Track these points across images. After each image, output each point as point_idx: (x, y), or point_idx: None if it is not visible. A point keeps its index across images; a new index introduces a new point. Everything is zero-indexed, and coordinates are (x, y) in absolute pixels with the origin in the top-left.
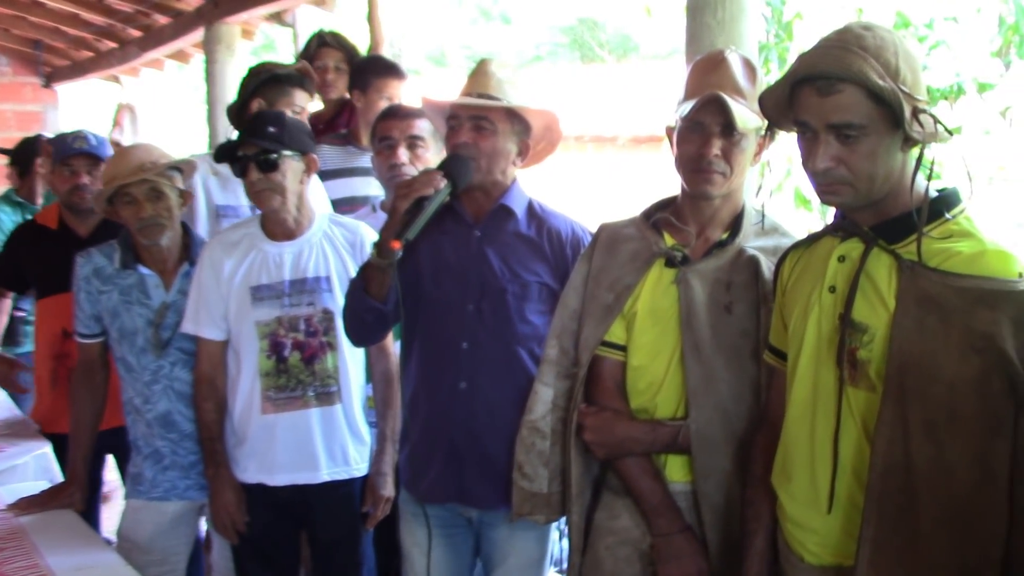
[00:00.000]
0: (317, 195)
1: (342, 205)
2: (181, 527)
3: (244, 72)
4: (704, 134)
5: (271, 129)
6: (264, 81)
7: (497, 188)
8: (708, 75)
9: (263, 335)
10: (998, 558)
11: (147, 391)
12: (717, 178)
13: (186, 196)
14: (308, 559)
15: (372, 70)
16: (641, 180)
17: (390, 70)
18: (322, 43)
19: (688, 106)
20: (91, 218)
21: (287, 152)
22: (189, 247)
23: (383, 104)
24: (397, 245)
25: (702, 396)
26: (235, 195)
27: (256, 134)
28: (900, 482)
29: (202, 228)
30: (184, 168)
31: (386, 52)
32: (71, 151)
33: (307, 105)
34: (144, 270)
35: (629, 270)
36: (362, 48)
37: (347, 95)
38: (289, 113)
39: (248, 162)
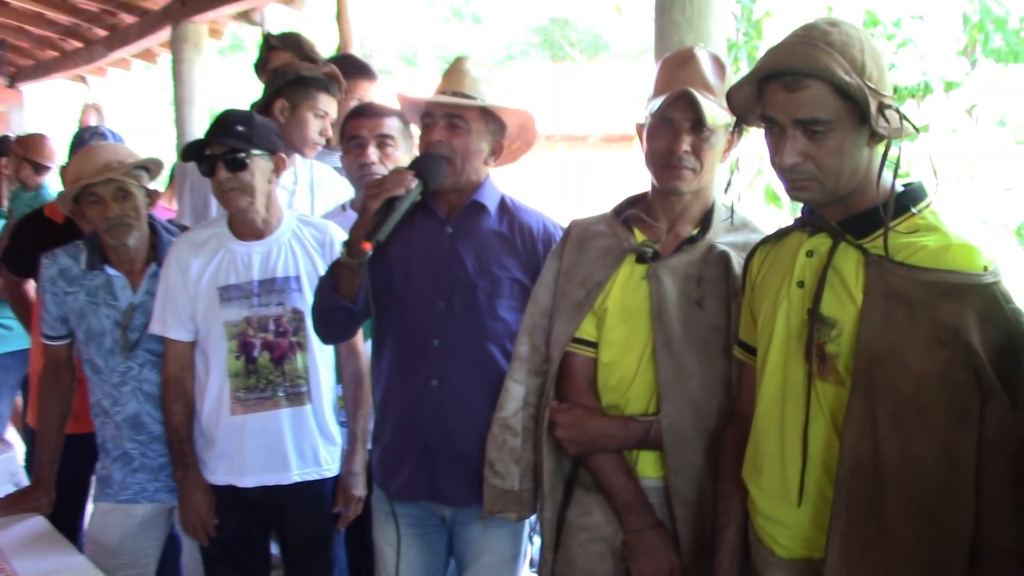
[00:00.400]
0: (336, 186)
1: None
2: (151, 530)
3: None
4: (674, 130)
5: (239, 128)
6: (289, 81)
7: (470, 186)
8: (677, 71)
9: (232, 335)
10: (965, 549)
11: (115, 393)
12: (687, 174)
13: (153, 196)
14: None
15: (342, 71)
16: (613, 179)
17: (361, 71)
18: (270, 48)
19: (658, 102)
20: None
21: (256, 151)
22: (157, 247)
23: (353, 105)
24: (368, 247)
25: (673, 392)
26: None
27: (224, 132)
28: (869, 475)
29: None
30: (151, 167)
31: (357, 51)
32: (85, 146)
33: (332, 110)
34: (111, 271)
35: (600, 266)
36: (325, 46)
37: None
38: (311, 116)
39: (216, 161)
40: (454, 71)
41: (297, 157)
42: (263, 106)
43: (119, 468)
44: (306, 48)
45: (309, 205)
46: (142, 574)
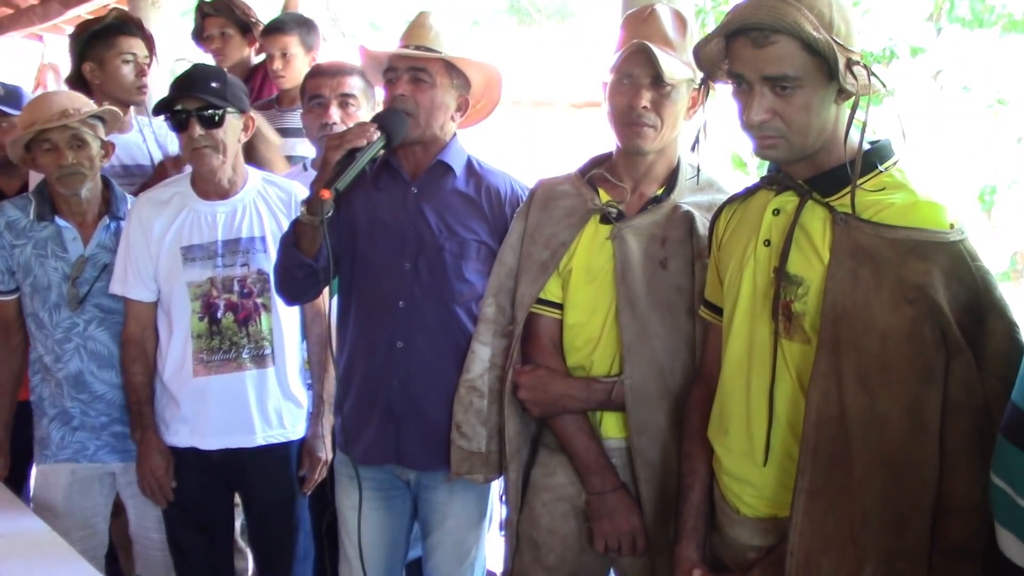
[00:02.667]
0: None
1: None
2: (96, 487)
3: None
4: (634, 86)
5: (214, 84)
6: (84, 43)
7: (435, 144)
8: (637, 27)
9: (195, 296)
10: (929, 505)
11: (58, 349)
12: (648, 132)
13: (108, 147)
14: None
15: (280, 27)
16: (582, 144)
17: (273, 26)
18: (204, 15)
19: (617, 58)
20: (15, 175)
21: (230, 109)
22: (110, 201)
23: (275, 62)
24: (327, 194)
25: (636, 352)
26: None
27: (199, 88)
28: (834, 433)
29: None
30: (107, 117)
31: (322, 15)
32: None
33: (138, 50)
34: (61, 222)
35: (564, 227)
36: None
37: (251, 59)
38: (119, 63)
39: (189, 117)
40: (416, 25)
41: (133, 111)
42: (74, 79)
43: (57, 427)
44: (239, 10)
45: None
46: (94, 533)
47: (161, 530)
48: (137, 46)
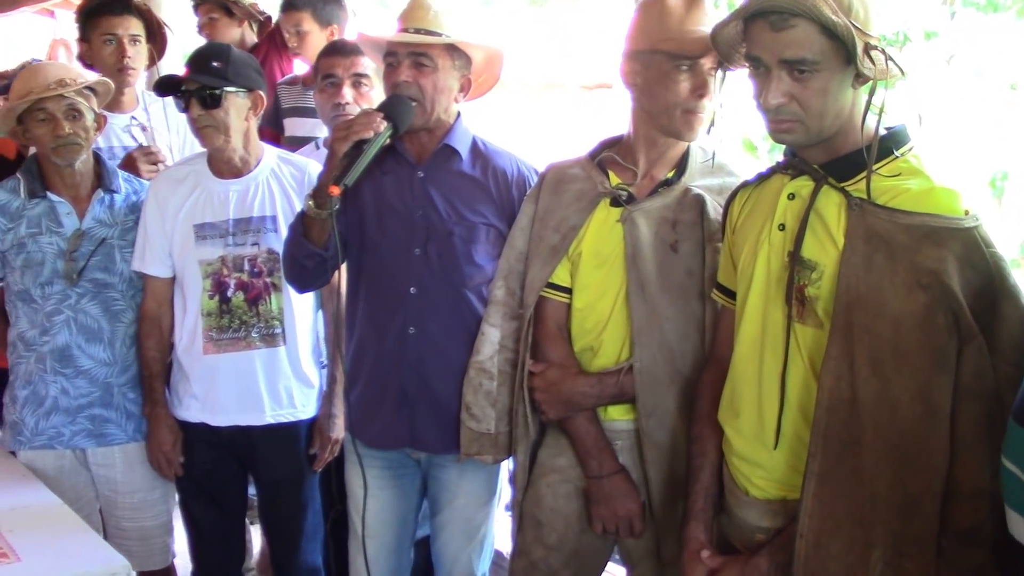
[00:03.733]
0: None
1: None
2: (80, 467)
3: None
4: (699, 75)
5: (215, 64)
6: (83, 29)
7: (441, 127)
8: (692, 12)
9: (207, 274)
10: (939, 490)
11: (47, 322)
12: (701, 119)
13: (100, 119)
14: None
15: (281, 5)
16: (593, 126)
17: (286, 2)
18: (195, 7)
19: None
20: None
21: (230, 88)
22: (102, 175)
23: (291, 38)
24: (336, 191)
25: (646, 335)
26: None
27: (199, 68)
28: (845, 417)
29: None
30: (99, 89)
31: None
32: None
33: (120, 28)
34: (54, 197)
35: (575, 210)
36: None
37: (246, 38)
38: (101, 44)
39: (190, 97)
40: (415, 6)
41: (141, 90)
42: (82, 60)
43: (30, 411)
44: None
45: (180, 143)
46: (88, 504)
47: (133, 519)
48: (121, 25)
